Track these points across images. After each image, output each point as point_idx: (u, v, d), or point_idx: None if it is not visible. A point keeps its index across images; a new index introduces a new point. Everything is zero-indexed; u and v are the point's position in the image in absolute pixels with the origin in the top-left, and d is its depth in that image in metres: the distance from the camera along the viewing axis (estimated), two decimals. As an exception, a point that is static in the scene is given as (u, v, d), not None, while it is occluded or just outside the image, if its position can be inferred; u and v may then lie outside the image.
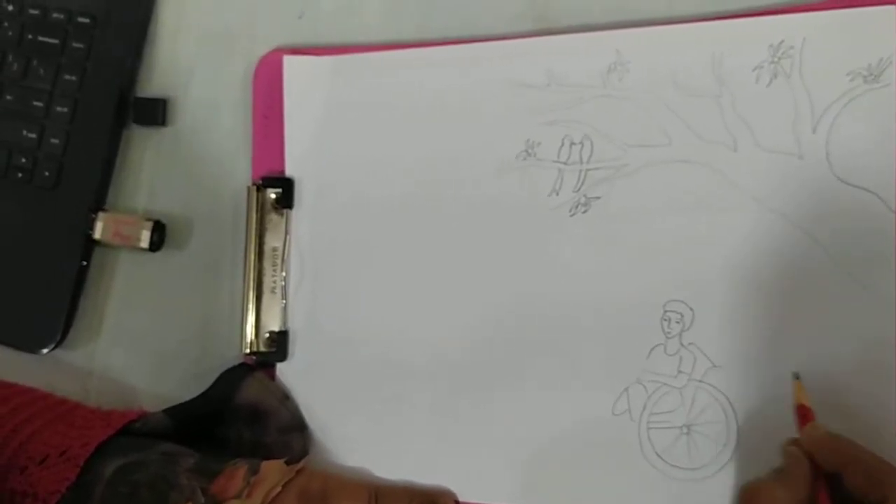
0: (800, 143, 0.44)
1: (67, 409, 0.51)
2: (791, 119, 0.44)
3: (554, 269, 0.47)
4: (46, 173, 0.53)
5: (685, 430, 0.45)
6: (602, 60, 0.47)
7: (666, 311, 0.45)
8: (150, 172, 0.55)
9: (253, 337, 0.51)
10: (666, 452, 0.45)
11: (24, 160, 0.53)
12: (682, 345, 0.45)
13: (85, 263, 0.53)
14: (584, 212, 0.47)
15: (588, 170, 0.47)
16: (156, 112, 0.54)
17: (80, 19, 0.53)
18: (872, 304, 0.43)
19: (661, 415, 0.45)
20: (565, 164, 0.47)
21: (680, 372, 0.45)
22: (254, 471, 0.46)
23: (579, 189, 0.47)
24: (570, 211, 0.47)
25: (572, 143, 0.47)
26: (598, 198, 0.47)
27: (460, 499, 0.48)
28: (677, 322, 0.45)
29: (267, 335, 0.51)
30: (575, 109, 0.47)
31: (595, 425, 0.46)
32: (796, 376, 0.43)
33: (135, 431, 0.49)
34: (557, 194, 0.47)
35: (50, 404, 0.51)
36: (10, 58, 0.54)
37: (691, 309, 0.45)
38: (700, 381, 0.45)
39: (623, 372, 0.46)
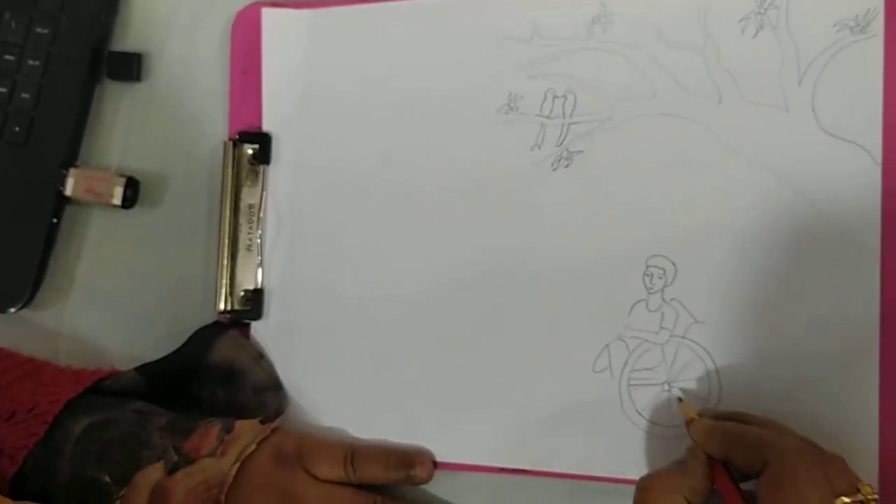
0: (786, 96, 0.43)
1: (35, 367, 0.50)
2: (777, 71, 0.44)
3: (535, 224, 0.46)
4: (17, 129, 0.52)
5: (667, 386, 0.44)
6: (586, 12, 0.46)
7: (648, 267, 0.45)
8: (124, 128, 0.53)
9: (227, 295, 0.50)
10: (647, 410, 0.44)
11: (-7, 115, 0.52)
12: (664, 300, 0.44)
13: (56, 221, 0.52)
14: (567, 166, 0.46)
15: (571, 123, 0.46)
16: (131, 67, 0.53)
17: (54, -31, 0.52)
18: (858, 256, 0.42)
19: (642, 371, 0.45)
20: (548, 117, 0.47)
21: (662, 328, 0.44)
22: (228, 429, 0.46)
23: (562, 143, 0.46)
24: (553, 165, 0.46)
25: (555, 97, 0.46)
26: (580, 152, 0.46)
27: (438, 459, 0.47)
28: (659, 277, 0.44)
29: (242, 293, 0.50)
30: (558, 62, 0.47)
31: (575, 383, 0.45)
32: (679, 400, 0.44)
33: (105, 390, 0.48)
34: (539, 148, 0.47)
35: (18, 362, 0.50)
36: (-19, 11, 0.52)
37: (674, 264, 0.44)
38: (682, 337, 0.44)
39: (604, 328, 0.45)
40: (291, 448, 0.46)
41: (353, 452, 0.46)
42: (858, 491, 0.36)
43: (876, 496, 0.36)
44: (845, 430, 0.42)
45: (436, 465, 0.47)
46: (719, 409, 0.43)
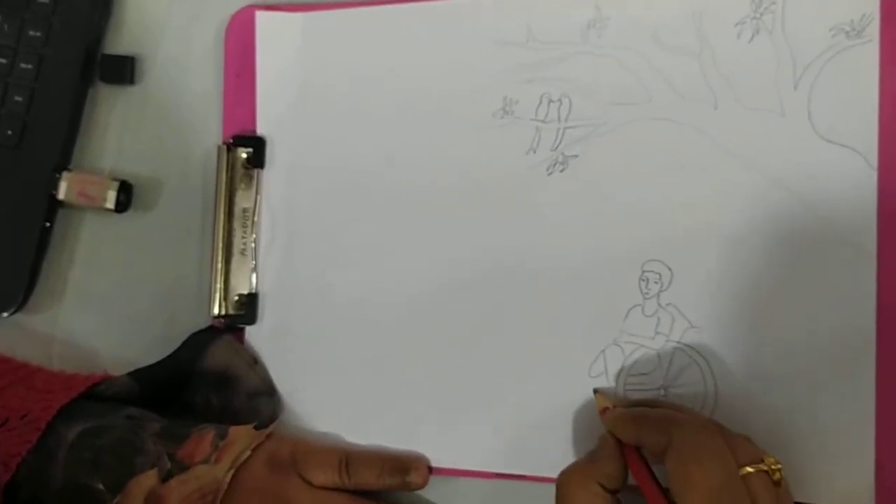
0: (781, 100, 0.43)
1: (28, 373, 0.49)
2: (773, 76, 0.43)
3: (530, 229, 0.46)
4: (9, 132, 0.52)
5: (663, 392, 0.44)
6: (581, 16, 0.46)
7: (644, 272, 0.45)
8: (117, 132, 0.53)
9: (221, 300, 0.49)
10: (643, 415, 0.44)
11: (-15, 118, 0.52)
12: (659, 305, 0.44)
13: (48, 224, 0.52)
14: (562, 171, 0.46)
15: (566, 128, 0.46)
16: (124, 70, 0.52)
17: (46, -28, 0.52)
18: (854, 261, 0.42)
19: (638, 377, 0.44)
20: (543, 122, 0.46)
21: (657, 333, 0.44)
22: (222, 436, 0.45)
23: (557, 147, 0.46)
24: (548, 170, 0.46)
25: (550, 101, 0.46)
26: (575, 156, 0.46)
27: (434, 464, 0.47)
28: (655, 282, 0.44)
29: (236, 298, 0.50)
30: (553, 67, 0.46)
31: (571, 388, 0.45)
32: (594, 391, 0.44)
33: (98, 395, 0.48)
34: (534, 153, 0.47)
35: (11, 367, 0.50)
36: (-28, 13, 0.52)
37: (669, 269, 0.44)
38: (678, 342, 0.44)
39: (600, 333, 0.45)
40: (286, 454, 0.45)
41: (348, 458, 0.46)
42: (762, 461, 0.37)
43: (780, 466, 0.37)
44: (842, 434, 0.42)
45: (431, 470, 0.47)
46: (632, 400, 0.44)
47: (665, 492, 0.38)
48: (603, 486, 0.40)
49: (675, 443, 0.37)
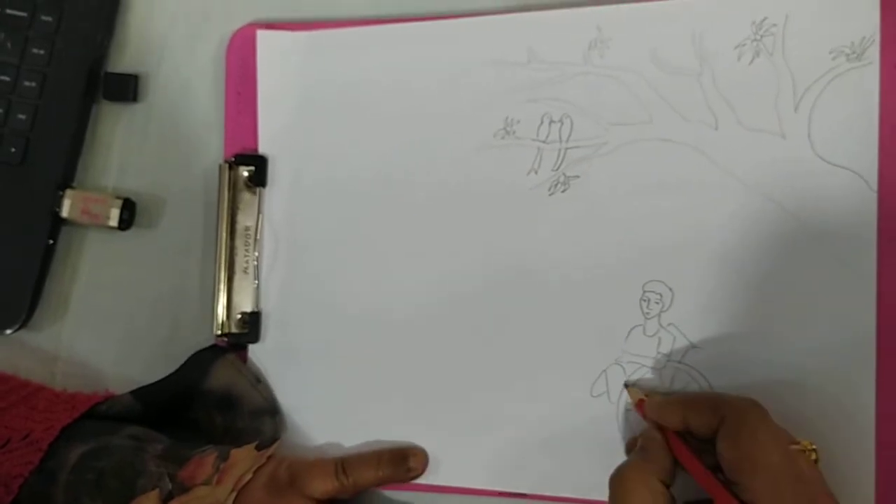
0: (781, 122, 0.44)
1: (30, 392, 0.49)
2: (773, 98, 0.44)
3: (532, 250, 0.46)
4: (13, 149, 0.52)
5: (664, 412, 0.44)
6: (583, 37, 0.46)
7: (645, 292, 0.45)
8: (120, 149, 0.53)
9: (224, 318, 0.50)
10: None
11: (-11, 136, 0.52)
12: (661, 325, 0.44)
13: (52, 242, 0.52)
14: (563, 191, 0.46)
15: (567, 148, 0.46)
16: (127, 88, 0.53)
17: (49, -9, 0.52)
18: (854, 283, 0.42)
19: (639, 397, 0.45)
20: (544, 142, 0.47)
21: (659, 353, 0.44)
22: (223, 457, 0.45)
23: (558, 168, 0.46)
24: (549, 190, 0.46)
25: (552, 121, 0.46)
26: (577, 177, 0.46)
27: (438, 482, 0.47)
28: (656, 302, 0.45)
29: (239, 316, 0.50)
30: (555, 87, 0.47)
31: (573, 407, 0.45)
32: (626, 385, 0.45)
33: (101, 414, 0.48)
34: (536, 173, 0.47)
35: (13, 387, 0.50)
36: (-24, 31, 0.52)
37: (671, 289, 0.45)
38: (679, 362, 0.44)
39: (601, 353, 0.45)
40: (283, 475, 0.45)
41: (344, 461, 0.45)
42: (799, 443, 0.38)
43: (815, 447, 0.38)
44: (843, 451, 0.42)
45: (427, 459, 0.47)
46: (664, 391, 0.44)
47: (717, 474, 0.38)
48: (662, 481, 0.39)
49: (728, 422, 0.38)
